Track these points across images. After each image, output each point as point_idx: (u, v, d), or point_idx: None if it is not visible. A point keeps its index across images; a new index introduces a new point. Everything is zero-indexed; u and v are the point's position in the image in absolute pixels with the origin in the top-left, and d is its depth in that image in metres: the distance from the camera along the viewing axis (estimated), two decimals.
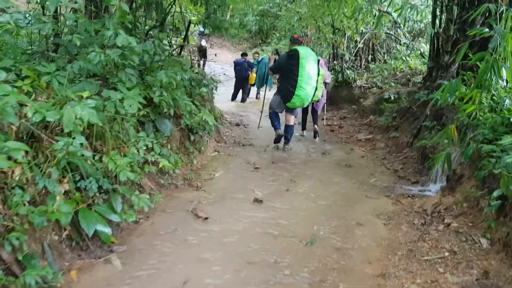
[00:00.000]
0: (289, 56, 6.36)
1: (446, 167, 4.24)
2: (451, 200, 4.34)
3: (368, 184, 5.26)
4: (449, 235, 3.66)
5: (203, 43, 16.18)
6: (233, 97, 12.32)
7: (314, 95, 6.50)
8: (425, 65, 11.40)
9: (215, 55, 11.27)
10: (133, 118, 3.90)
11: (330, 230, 3.79)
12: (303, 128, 8.29)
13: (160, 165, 3.49)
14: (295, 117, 6.97)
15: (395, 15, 12.42)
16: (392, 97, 9.23)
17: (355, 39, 11.80)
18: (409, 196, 4.79)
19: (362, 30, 11.97)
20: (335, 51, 12.19)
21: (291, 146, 6.86)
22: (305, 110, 8.07)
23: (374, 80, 11.04)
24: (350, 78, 11.24)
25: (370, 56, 13.60)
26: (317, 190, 4.86)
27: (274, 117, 6.73)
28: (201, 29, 16.53)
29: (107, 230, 3.01)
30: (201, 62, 19.27)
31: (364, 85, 11.15)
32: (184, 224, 3.61)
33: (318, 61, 6.64)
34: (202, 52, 18.41)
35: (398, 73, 11.32)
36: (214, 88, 8.16)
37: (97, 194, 3.07)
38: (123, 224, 3.39)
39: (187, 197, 4.25)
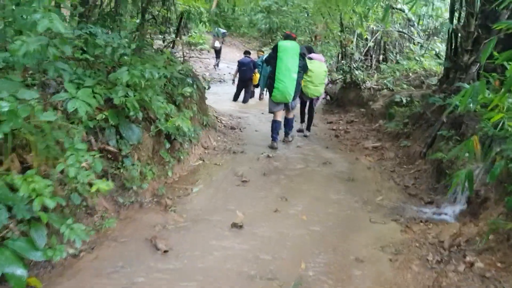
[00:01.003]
0: (272, 49, 6.49)
1: (467, 187, 3.45)
2: (473, 230, 3.54)
3: (373, 203, 4.47)
4: (472, 280, 2.88)
5: (217, 44, 15.64)
6: (235, 97, 11.59)
7: (297, 89, 6.40)
8: (440, 66, 10.58)
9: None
10: (82, 125, 3.18)
11: (322, 269, 3.03)
12: (302, 121, 8.00)
13: (92, 189, 2.75)
14: (292, 109, 6.89)
15: (408, 12, 11.63)
16: (404, 101, 8.41)
17: (365, 37, 10.98)
18: (421, 221, 4.00)
19: (373, 28, 11.15)
20: (344, 50, 11.37)
21: (288, 155, 6.11)
22: (302, 104, 7.86)
23: (384, 81, 10.21)
24: (359, 79, 10.42)
25: (381, 56, 12.76)
26: (312, 211, 4.10)
27: (274, 126, 6.62)
28: (217, 29, 16.10)
29: (21, 272, 2.28)
30: (216, 61, 18.70)
31: (374, 86, 10.31)
32: (136, 260, 2.88)
33: (303, 54, 6.47)
34: (217, 52, 17.80)
35: (411, 74, 10.48)
36: (206, 87, 7.46)
37: (11, 225, 2.35)
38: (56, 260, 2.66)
39: (151, 220, 3.52)
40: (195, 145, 5.63)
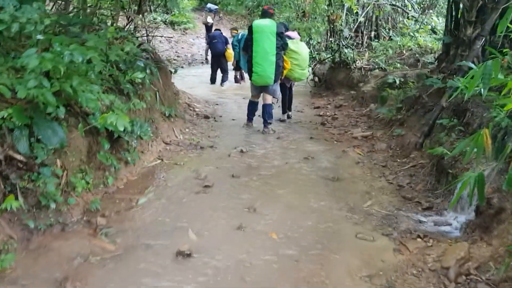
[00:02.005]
0: (247, 31, 6.06)
1: (476, 193, 2.68)
2: (486, 253, 2.78)
3: (361, 211, 3.69)
4: None
5: (209, 19, 14.96)
6: (212, 80, 10.69)
7: (277, 71, 5.93)
8: (437, 42, 9.72)
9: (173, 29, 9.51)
10: None
11: None
12: (284, 111, 7.27)
13: None
14: (273, 97, 6.47)
15: None
16: (397, 82, 7.58)
17: (355, 11, 10.05)
18: (419, 236, 3.22)
19: (364, 2, 10.21)
20: (332, 26, 10.45)
21: (265, 149, 5.32)
22: (284, 91, 7.03)
23: (376, 60, 9.35)
24: (349, 58, 9.54)
25: (373, 33, 11.84)
26: (285, 226, 3.31)
27: (249, 108, 6.48)
28: (209, 5, 15.38)
29: None
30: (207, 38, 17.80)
31: (365, 66, 9.44)
32: None
33: (281, 33, 5.89)
34: (208, 28, 16.85)
35: (405, 52, 9.61)
36: (172, 71, 6.59)
37: None
38: None
39: (72, 250, 2.71)
40: (153, 141, 4.79)
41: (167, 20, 21.87)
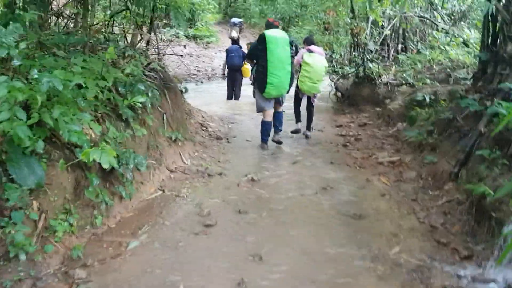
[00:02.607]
0: (257, 41, 5.81)
1: None
2: None
3: (387, 259, 3.14)
4: None
5: (234, 33, 14.90)
6: (229, 96, 10.30)
7: (292, 81, 5.91)
8: (470, 56, 9.06)
9: (184, 46, 9.27)
10: None
11: None
12: (298, 120, 7.00)
13: None
14: (281, 105, 6.30)
15: None
16: (427, 99, 7.00)
17: (380, 24, 9.50)
18: None
19: (389, 14, 9.66)
20: (356, 39, 9.91)
21: (279, 176, 4.83)
22: (297, 101, 7.03)
23: (404, 75, 8.76)
24: (374, 72, 8.98)
25: (400, 46, 11.25)
26: (295, 281, 2.80)
27: (264, 128, 6.12)
28: (233, 20, 15.46)
29: None
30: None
31: (391, 81, 8.89)
32: None
33: (292, 42, 5.94)
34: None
35: (434, 66, 9.00)
36: (183, 91, 6.21)
37: None
38: None
39: None
40: (156, 169, 4.38)
41: (190, 34, 21.81)
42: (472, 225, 3.57)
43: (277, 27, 5.97)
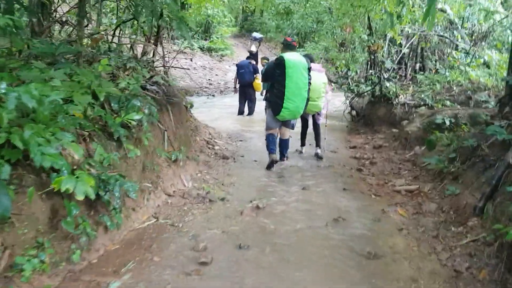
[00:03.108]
0: (275, 64, 5.62)
1: None
2: None
3: None
4: None
5: (253, 48, 14.94)
6: (240, 112, 9.98)
7: (306, 106, 5.84)
8: (492, 78, 8.61)
9: (191, 60, 9.04)
10: None
11: None
12: (303, 144, 7.04)
13: None
14: (291, 129, 6.24)
15: (451, 13, 9.68)
16: (447, 123, 6.59)
17: (398, 42, 9.11)
18: None
19: (408, 32, 9.28)
20: (373, 57, 9.53)
21: (287, 204, 4.44)
22: (304, 123, 7.01)
23: (422, 96, 8.33)
24: (391, 92, 8.57)
25: (417, 65, 10.84)
26: None
27: (270, 139, 5.96)
28: (254, 34, 15.64)
29: None
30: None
31: (408, 102, 8.46)
32: None
33: (309, 68, 5.73)
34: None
35: (454, 88, 8.55)
36: (188, 107, 5.88)
37: None
38: None
39: None
40: (152, 193, 4.02)
41: (205, 47, 21.67)
42: (502, 271, 3.11)
43: (295, 48, 5.88)
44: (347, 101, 10.38)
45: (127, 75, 4.91)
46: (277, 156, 5.93)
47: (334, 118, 10.40)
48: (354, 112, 10.33)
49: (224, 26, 24.06)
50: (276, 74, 5.57)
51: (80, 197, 2.45)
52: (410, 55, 10.60)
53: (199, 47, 20.85)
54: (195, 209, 4.11)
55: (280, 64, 5.51)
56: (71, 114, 3.04)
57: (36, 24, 4.88)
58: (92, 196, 2.61)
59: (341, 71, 9.80)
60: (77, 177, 2.46)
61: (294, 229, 3.89)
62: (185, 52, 18.02)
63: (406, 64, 10.62)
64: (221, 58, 21.43)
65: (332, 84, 16.74)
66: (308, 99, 5.76)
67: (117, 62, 5.03)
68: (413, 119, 7.56)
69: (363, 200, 4.81)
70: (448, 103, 7.68)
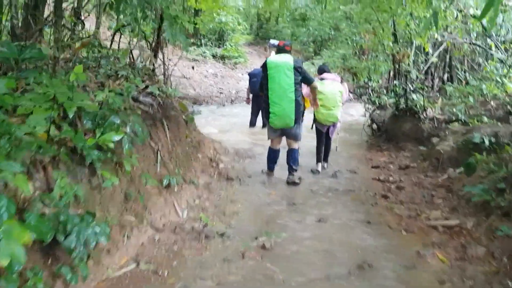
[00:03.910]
0: (261, 69, 5.51)
1: None
2: None
3: None
4: None
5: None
6: (251, 123, 9.22)
7: (298, 110, 5.30)
8: None
9: (192, 67, 8.44)
10: None
11: None
12: (318, 160, 6.40)
13: None
14: (296, 139, 5.64)
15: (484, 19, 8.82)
16: (487, 142, 5.74)
17: (426, 50, 8.28)
18: None
19: (436, 39, 8.45)
20: (398, 66, 8.71)
21: (298, 242, 3.65)
22: (319, 136, 6.44)
23: (454, 110, 7.48)
24: (417, 105, 7.74)
25: (446, 75, 9.98)
26: None
27: (269, 155, 5.76)
28: (272, 41, 15.01)
29: None
30: None
31: (438, 116, 7.62)
32: None
33: (298, 68, 5.25)
34: None
35: (491, 102, 7.67)
36: (187, 120, 5.18)
37: None
38: None
39: None
40: (134, 229, 3.29)
41: (218, 54, 21.05)
42: None
43: (287, 51, 5.48)
44: (367, 113, 9.57)
45: (118, 84, 4.24)
46: (273, 173, 5.74)
47: (352, 132, 9.60)
48: (374, 126, 9.50)
49: (238, 33, 23.41)
50: (262, 79, 5.43)
51: (3, 262, 1.72)
52: (438, 65, 9.76)
53: (212, 55, 20.23)
54: (187, 249, 3.35)
55: (263, 66, 5.36)
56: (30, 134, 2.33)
57: (17, 26, 4.23)
58: (22, 260, 1.87)
59: (363, 81, 9.01)
60: (4, 232, 1.74)
61: (308, 279, 3.11)
62: (197, 60, 17.43)
63: (432, 75, 9.79)
64: (234, 66, 20.76)
65: (350, 94, 16.03)
66: (298, 102, 5.26)
67: (106, 70, 4.37)
68: (445, 137, 6.70)
69: (392, 238, 3.99)
70: (485, 119, 6.82)
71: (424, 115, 7.74)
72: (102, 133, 2.88)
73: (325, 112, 6.13)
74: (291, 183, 5.47)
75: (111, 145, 2.92)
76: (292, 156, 5.59)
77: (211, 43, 21.64)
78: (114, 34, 5.81)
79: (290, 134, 5.54)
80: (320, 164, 6.39)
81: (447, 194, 5.19)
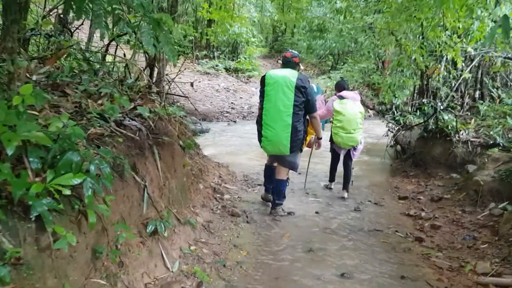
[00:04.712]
0: (260, 82, 4.72)
1: None
2: None
3: None
4: None
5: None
6: None
7: (295, 139, 4.46)
8: None
9: (191, 84, 7.77)
10: None
11: None
12: (332, 179, 6.19)
13: None
14: (293, 170, 4.95)
15: None
16: None
17: (458, 65, 7.44)
18: None
19: (470, 52, 7.61)
20: (426, 82, 7.88)
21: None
22: (335, 157, 6.02)
23: (491, 132, 6.61)
24: (450, 127, 6.88)
25: (477, 92, 9.10)
26: None
27: (266, 173, 5.13)
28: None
29: None
30: None
31: (473, 140, 6.75)
32: None
33: (303, 87, 4.40)
34: None
35: None
36: (184, 149, 4.45)
37: None
38: None
39: None
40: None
41: (231, 67, 20.42)
42: None
43: (295, 65, 4.67)
44: (390, 133, 8.74)
45: (101, 104, 3.54)
46: (270, 196, 4.96)
47: (373, 153, 8.77)
48: (398, 147, 8.64)
49: (253, 46, 22.78)
50: (260, 95, 4.67)
51: None
52: (469, 81, 8.89)
53: (224, 68, 19.61)
54: None
55: (261, 81, 4.62)
56: None
57: None
58: None
59: (389, 100, 8.20)
60: None
61: None
62: (208, 73, 16.83)
63: (462, 92, 8.91)
64: (247, 79, 20.11)
65: (369, 110, 15.15)
66: (295, 128, 4.41)
67: (88, 87, 3.68)
68: (484, 165, 5.84)
69: None
70: None
71: (457, 137, 6.88)
72: (55, 175, 2.15)
73: (344, 135, 5.59)
74: (270, 208, 4.84)
75: (67, 191, 2.19)
76: (277, 188, 4.79)
77: (225, 56, 21.07)
78: (108, 44, 5.15)
79: (284, 162, 4.74)
80: (333, 183, 6.20)
81: (492, 237, 4.35)
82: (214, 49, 20.17)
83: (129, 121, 3.54)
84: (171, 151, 3.92)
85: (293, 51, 4.90)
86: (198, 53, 18.66)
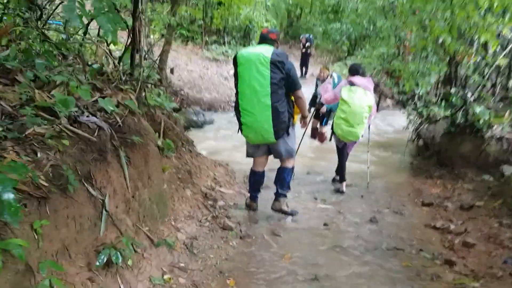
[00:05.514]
0: (233, 64, 4.04)
1: None
2: None
3: None
4: None
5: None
6: None
7: (282, 121, 3.86)
8: None
9: (171, 71, 6.91)
10: None
11: None
12: (341, 180, 5.55)
13: None
14: (285, 156, 4.24)
15: None
16: None
17: (493, 49, 6.49)
18: None
19: (507, 35, 6.65)
20: (455, 69, 6.97)
21: None
22: (340, 155, 5.57)
23: None
24: (481, 121, 6.00)
25: (510, 82, 8.13)
26: None
27: (252, 180, 4.43)
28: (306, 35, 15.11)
29: None
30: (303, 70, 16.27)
31: (508, 136, 5.88)
32: None
33: (279, 62, 3.75)
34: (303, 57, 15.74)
35: None
36: (168, 144, 3.73)
37: None
38: None
39: None
40: None
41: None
42: None
43: (272, 42, 3.99)
44: (411, 126, 7.88)
45: (53, 95, 2.84)
46: (255, 205, 4.40)
47: (392, 149, 7.94)
48: (421, 142, 7.78)
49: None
50: (234, 78, 4.07)
51: None
52: (500, 68, 7.92)
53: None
54: None
55: (233, 62, 4.02)
56: None
57: None
58: None
59: (412, 90, 7.33)
60: None
61: None
62: (217, 60, 15.99)
63: (494, 81, 7.96)
64: None
65: (388, 100, 14.18)
66: (276, 109, 3.81)
67: (41, 75, 2.99)
68: None
69: None
70: None
71: (490, 133, 6.01)
72: None
73: (345, 128, 5.10)
74: (276, 210, 4.26)
75: None
76: (281, 175, 4.27)
77: (235, 41, 20.17)
78: (88, 24, 4.41)
79: (276, 151, 4.18)
80: (344, 184, 5.53)
81: None
82: (225, 34, 19.29)
83: (87, 117, 2.82)
84: (145, 154, 3.19)
85: (270, 27, 4.19)
86: (207, 39, 17.81)
